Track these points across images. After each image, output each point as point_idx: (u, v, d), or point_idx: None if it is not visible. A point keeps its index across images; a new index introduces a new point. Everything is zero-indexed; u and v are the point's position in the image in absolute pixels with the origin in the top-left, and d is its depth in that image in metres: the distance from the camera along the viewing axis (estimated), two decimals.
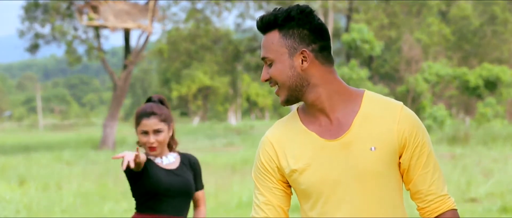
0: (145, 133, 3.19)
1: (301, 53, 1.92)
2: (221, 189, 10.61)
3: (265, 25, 1.94)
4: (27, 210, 9.43)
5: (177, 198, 3.24)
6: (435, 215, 1.99)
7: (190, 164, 3.33)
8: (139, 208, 3.26)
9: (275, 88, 1.98)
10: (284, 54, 1.92)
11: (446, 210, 1.99)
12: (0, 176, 13.78)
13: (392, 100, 1.99)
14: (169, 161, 3.27)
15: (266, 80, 1.97)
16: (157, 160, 3.25)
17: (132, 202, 10.40)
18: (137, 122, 3.23)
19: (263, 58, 1.96)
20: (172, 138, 3.31)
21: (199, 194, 3.37)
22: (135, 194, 3.27)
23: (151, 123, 3.18)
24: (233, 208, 9.19)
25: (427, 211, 1.99)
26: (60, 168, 15.18)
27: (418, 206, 2.01)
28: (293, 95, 1.95)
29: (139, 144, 3.26)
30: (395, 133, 1.93)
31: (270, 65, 1.95)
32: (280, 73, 1.93)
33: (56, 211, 9.37)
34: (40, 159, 18.08)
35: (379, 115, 1.94)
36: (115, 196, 10.58)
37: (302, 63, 1.92)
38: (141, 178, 3.21)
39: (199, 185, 3.36)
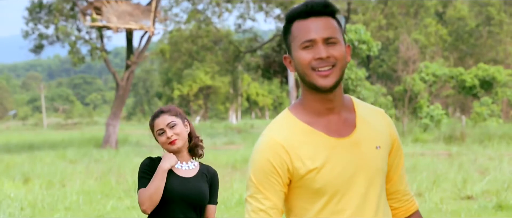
0: (161, 132, 3.13)
1: (348, 47, 1.99)
2: (221, 187, 10.64)
3: (323, 8, 1.93)
4: (31, 207, 9.47)
5: (189, 207, 3.10)
6: (408, 214, 2.09)
7: (208, 176, 3.18)
8: (152, 216, 3.13)
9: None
10: (342, 41, 1.95)
11: (416, 209, 2.11)
12: (5, 174, 13.90)
13: (373, 106, 2.10)
14: (188, 167, 3.18)
15: (327, 58, 1.91)
16: (177, 165, 3.16)
17: (135, 199, 10.50)
18: (152, 128, 3.18)
19: (327, 38, 1.91)
20: (194, 140, 3.23)
21: (210, 208, 3.19)
22: None
23: (162, 119, 3.14)
24: (233, 206, 9.24)
25: (401, 211, 2.09)
26: (64, 166, 15.24)
27: (391, 207, 2.09)
28: (339, 81, 1.94)
29: (162, 146, 3.16)
30: (389, 134, 2.03)
31: (332, 44, 1.92)
32: (342, 55, 1.92)
33: (60, 209, 9.42)
34: (44, 157, 18.19)
35: (372, 118, 2.02)
36: (118, 193, 10.64)
37: (347, 56, 1.97)
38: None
39: (212, 199, 3.19)
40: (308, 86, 1.95)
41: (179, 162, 3.16)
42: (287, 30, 1.98)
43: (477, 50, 35.82)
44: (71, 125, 51.35)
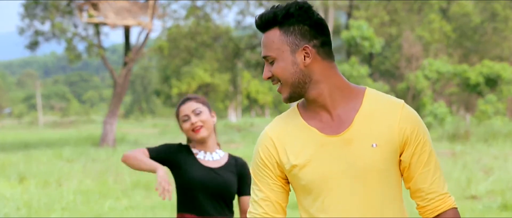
0: (186, 118, 3.03)
1: (303, 49, 1.91)
2: None
3: (265, 23, 1.93)
4: (27, 207, 9.41)
5: (213, 198, 3.07)
6: (436, 214, 1.98)
7: (236, 166, 3.11)
8: (179, 207, 3.11)
9: (277, 86, 1.97)
10: (286, 52, 1.91)
11: (447, 209, 1.98)
12: (0, 173, 13.76)
13: (394, 98, 1.99)
14: (213, 158, 3.10)
15: (268, 78, 1.96)
16: (200, 156, 3.09)
17: (133, 199, 10.48)
18: (177, 114, 3.08)
19: (264, 57, 1.95)
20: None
21: (245, 199, 3.16)
22: (176, 192, 3.15)
23: (188, 105, 3.04)
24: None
25: (428, 210, 1.98)
26: (60, 166, 15.13)
27: (418, 205, 2.00)
28: (296, 92, 1.94)
29: (186, 133, 3.06)
30: (396, 131, 1.92)
31: (272, 63, 1.94)
32: (282, 70, 1.92)
33: (56, 209, 9.37)
34: (40, 156, 18.02)
35: (380, 112, 1.93)
36: (115, 193, 10.59)
37: (304, 59, 1.92)
38: (175, 173, 3.12)
39: (245, 190, 3.14)
40: None
41: (202, 151, 3.08)
42: None
43: (481, 47, 35.90)
44: (67, 123, 51.24)
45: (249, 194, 3.04)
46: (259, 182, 2.01)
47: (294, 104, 2.04)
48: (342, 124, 1.93)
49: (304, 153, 1.94)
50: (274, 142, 1.98)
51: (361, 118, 1.93)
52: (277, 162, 1.98)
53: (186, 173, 3.03)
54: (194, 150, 3.09)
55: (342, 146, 1.92)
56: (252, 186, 2.04)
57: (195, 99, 3.07)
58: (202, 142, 3.06)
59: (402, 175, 1.99)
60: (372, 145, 1.91)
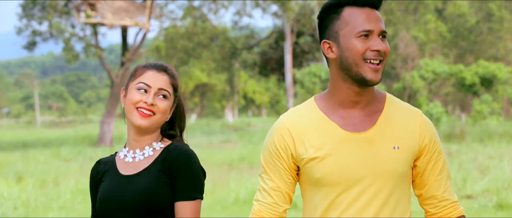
0: (144, 89, 2.12)
1: None
2: (218, 186, 10.64)
3: (379, 1, 1.94)
4: (25, 206, 9.42)
5: (139, 216, 2.09)
6: None
7: (165, 161, 2.12)
8: None
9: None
10: None
11: (457, 216, 2.03)
12: None
13: (411, 106, 2.03)
14: (143, 157, 2.16)
15: (383, 52, 1.91)
16: (128, 158, 2.18)
17: None
18: (138, 74, 2.16)
19: (382, 32, 1.91)
20: (178, 120, 2.25)
21: (178, 206, 2.09)
22: None
23: (161, 78, 2.14)
24: (230, 205, 9.19)
25: (438, 217, 2.03)
26: (58, 165, 15.15)
27: (428, 212, 2.04)
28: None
29: (127, 108, 2.16)
30: (417, 137, 1.96)
31: (383, 39, 1.92)
32: (389, 51, 1.93)
33: (54, 208, 9.39)
34: (38, 155, 18.07)
35: (401, 117, 1.97)
36: None
37: None
38: None
39: (178, 194, 2.09)
40: (352, 77, 1.91)
41: (131, 151, 2.18)
42: (334, 14, 1.94)
43: (477, 47, 35.87)
44: (65, 123, 51.22)
45: (186, 199, 2.08)
46: (271, 171, 1.99)
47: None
48: (366, 123, 1.94)
49: (324, 147, 1.92)
50: (291, 133, 1.96)
51: (384, 119, 1.95)
52: (292, 154, 1.96)
53: (99, 194, 2.20)
54: (122, 151, 2.23)
55: (364, 145, 1.92)
56: (262, 175, 2.01)
57: (172, 78, 2.17)
58: (138, 133, 2.16)
59: (413, 181, 2.02)
60: (394, 147, 1.92)
